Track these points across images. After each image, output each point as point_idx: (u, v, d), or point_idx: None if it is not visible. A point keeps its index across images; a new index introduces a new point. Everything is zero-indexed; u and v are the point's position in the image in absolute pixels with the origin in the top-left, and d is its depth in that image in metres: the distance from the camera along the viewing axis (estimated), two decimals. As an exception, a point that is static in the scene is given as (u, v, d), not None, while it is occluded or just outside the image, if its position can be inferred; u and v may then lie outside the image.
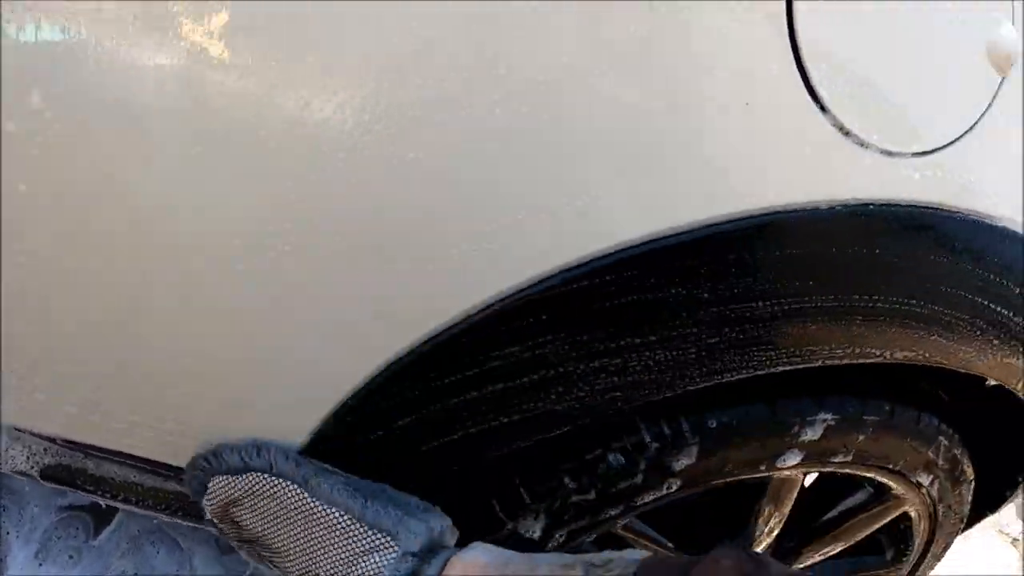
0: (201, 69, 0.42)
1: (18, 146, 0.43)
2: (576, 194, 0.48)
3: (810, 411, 0.64)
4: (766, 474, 0.68)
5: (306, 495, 0.54)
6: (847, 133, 0.50)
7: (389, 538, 0.53)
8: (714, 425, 0.62)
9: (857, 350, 0.58)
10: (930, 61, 0.55)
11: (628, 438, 0.62)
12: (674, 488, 0.64)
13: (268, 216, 0.46)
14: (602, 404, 0.55)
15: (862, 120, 0.51)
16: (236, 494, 0.56)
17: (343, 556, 0.54)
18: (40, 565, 1.15)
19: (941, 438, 0.73)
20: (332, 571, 0.55)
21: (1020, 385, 0.69)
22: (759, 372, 0.56)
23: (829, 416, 0.65)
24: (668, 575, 0.48)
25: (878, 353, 0.59)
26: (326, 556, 0.55)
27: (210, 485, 0.57)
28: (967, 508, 0.86)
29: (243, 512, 0.58)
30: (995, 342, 0.63)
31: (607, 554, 0.51)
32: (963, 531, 0.90)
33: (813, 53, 0.48)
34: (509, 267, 0.49)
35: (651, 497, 0.65)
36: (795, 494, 0.76)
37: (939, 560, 0.93)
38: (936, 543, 0.87)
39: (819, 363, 0.58)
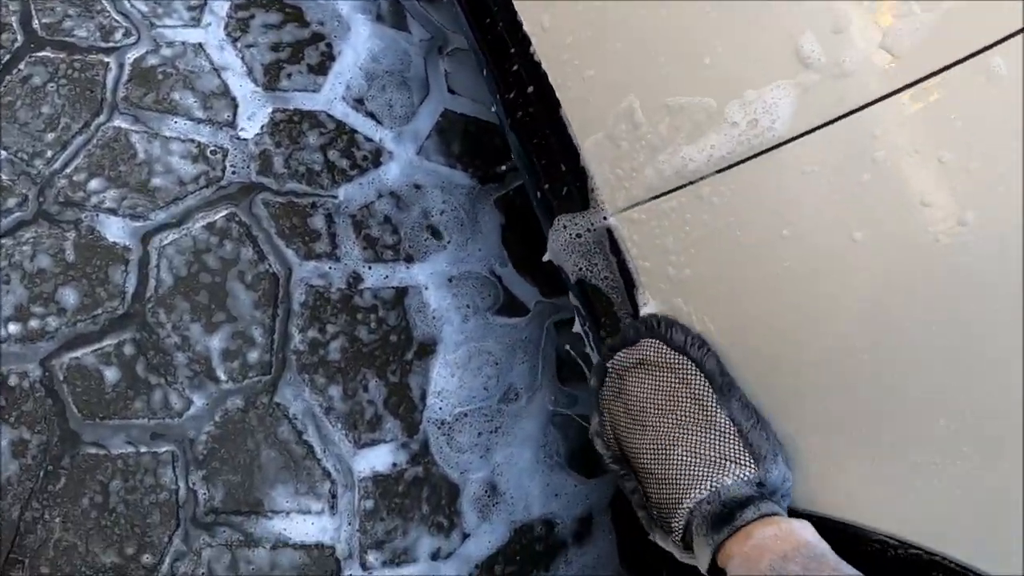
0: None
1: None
2: None
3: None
4: None
5: (712, 395, 0.64)
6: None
7: (753, 461, 0.62)
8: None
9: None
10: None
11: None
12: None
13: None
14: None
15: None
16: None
17: (706, 452, 0.63)
18: (436, 288, 1.23)
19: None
20: (685, 458, 0.63)
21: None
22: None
23: None
24: None
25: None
26: (690, 445, 0.63)
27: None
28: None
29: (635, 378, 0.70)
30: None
31: None
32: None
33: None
34: None
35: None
36: None
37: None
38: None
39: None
